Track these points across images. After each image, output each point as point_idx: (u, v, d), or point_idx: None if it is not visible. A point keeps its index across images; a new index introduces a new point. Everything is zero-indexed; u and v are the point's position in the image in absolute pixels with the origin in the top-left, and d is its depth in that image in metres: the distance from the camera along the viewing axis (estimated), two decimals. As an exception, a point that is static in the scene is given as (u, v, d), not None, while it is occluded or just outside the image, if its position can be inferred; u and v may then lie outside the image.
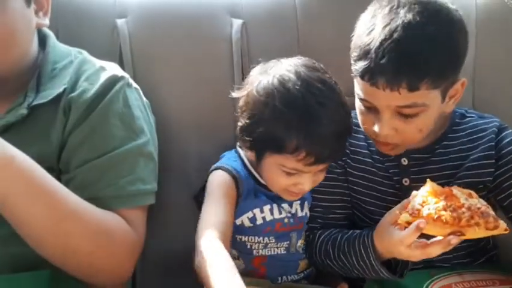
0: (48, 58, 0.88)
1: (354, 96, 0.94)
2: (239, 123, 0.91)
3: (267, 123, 0.86)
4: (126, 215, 0.83)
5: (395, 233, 0.82)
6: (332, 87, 0.88)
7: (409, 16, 0.84)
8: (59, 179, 0.81)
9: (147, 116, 0.93)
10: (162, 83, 1.09)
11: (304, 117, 0.84)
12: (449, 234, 0.77)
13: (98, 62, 0.92)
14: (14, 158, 0.72)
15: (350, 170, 1.01)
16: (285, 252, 0.97)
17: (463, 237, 0.77)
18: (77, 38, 1.06)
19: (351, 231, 0.96)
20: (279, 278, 0.96)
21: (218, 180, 0.92)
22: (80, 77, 0.87)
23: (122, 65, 1.07)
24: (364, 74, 0.85)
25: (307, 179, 0.90)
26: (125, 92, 0.89)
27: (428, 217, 0.78)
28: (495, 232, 0.77)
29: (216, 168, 0.94)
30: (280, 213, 0.95)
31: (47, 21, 0.87)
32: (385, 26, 0.84)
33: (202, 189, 0.95)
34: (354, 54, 0.88)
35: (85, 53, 0.94)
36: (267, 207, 0.94)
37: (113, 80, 0.87)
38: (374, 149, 0.99)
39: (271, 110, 0.85)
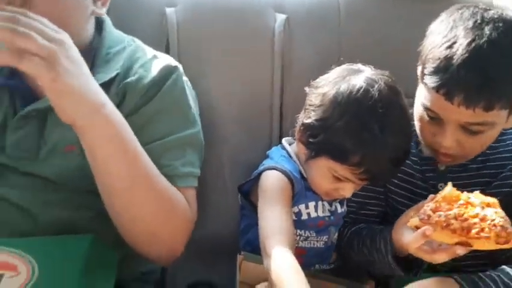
0: (104, 43, 0.91)
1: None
2: (305, 120, 0.91)
3: (336, 132, 0.85)
4: (183, 192, 0.87)
5: (405, 234, 0.84)
6: (407, 116, 0.88)
7: (495, 35, 0.82)
8: None
9: (197, 106, 0.97)
10: (205, 73, 1.12)
11: (376, 140, 0.84)
12: (457, 243, 0.77)
13: (151, 50, 0.95)
14: (105, 105, 0.75)
15: None
16: (323, 246, 0.99)
17: (470, 249, 0.77)
18: (127, 25, 1.09)
19: (377, 226, 0.97)
20: (312, 267, 0.98)
21: (277, 183, 0.92)
22: (135, 64, 0.90)
23: (168, 53, 1.11)
24: (440, 88, 0.83)
25: (350, 188, 0.91)
26: (182, 82, 0.92)
27: (436, 224, 0.77)
28: (506, 246, 0.76)
29: (271, 168, 0.94)
30: (323, 211, 0.96)
31: (103, 10, 0.91)
32: (470, 42, 0.81)
33: (249, 181, 0.97)
34: (429, 65, 0.85)
35: (138, 41, 0.97)
36: (312, 204, 0.95)
37: (170, 70, 0.91)
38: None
39: (346, 122, 0.85)
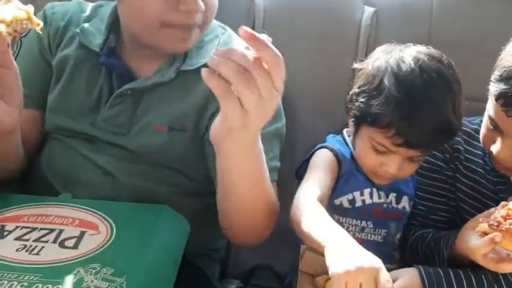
0: None
1: (473, 101, 0.91)
2: (349, 93, 0.93)
3: (369, 95, 0.88)
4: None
5: (472, 239, 0.81)
6: (448, 81, 0.87)
7: None
8: (190, 139, 0.89)
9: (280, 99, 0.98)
10: (288, 62, 1.13)
11: (406, 99, 0.84)
12: None
13: (242, 42, 0.97)
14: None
15: (459, 176, 0.98)
16: (382, 241, 0.97)
17: None
18: (218, 10, 1.14)
19: (443, 231, 0.94)
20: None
21: (323, 158, 0.95)
22: None
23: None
24: (499, 97, 0.82)
25: (394, 162, 0.89)
26: None
27: (507, 232, 0.75)
28: None
29: (321, 147, 0.97)
30: (379, 197, 0.96)
31: None
32: None
33: (303, 164, 0.97)
34: (496, 72, 0.83)
35: (229, 30, 0.99)
36: (367, 191, 0.95)
37: None
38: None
39: (377, 84, 0.87)
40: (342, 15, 1.15)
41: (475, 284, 0.82)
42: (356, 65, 0.96)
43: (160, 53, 0.89)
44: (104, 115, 0.90)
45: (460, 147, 0.97)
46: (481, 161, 0.96)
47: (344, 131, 1.01)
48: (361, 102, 0.89)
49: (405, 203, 0.99)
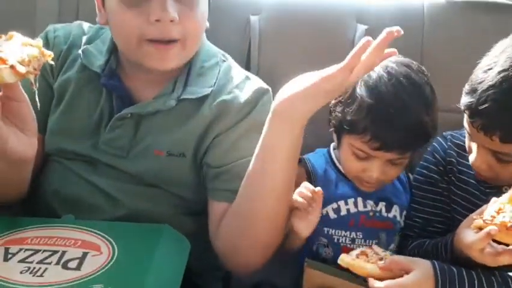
0: (199, 57, 0.94)
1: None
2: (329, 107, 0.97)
3: (344, 105, 0.93)
4: None
5: (468, 236, 0.82)
6: (417, 85, 0.91)
7: None
8: (189, 164, 0.90)
9: None
10: (283, 77, 1.15)
11: (377, 104, 0.89)
12: None
13: (242, 71, 0.99)
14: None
15: (453, 188, 1.00)
16: None
17: None
18: (212, 30, 1.15)
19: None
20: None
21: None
22: (229, 83, 0.93)
23: (249, 58, 1.16)
24: (466, 109, 0.87)
25: (376, 167, 0.93)
26: (269, 105, 0.93)
27: (501, 225, 0.76)
28: None
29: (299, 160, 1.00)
30: (365, 206, 0.98)
31: (207, 23, 0.94)
32: (501, 71, 0.83)
33: None
34: (466, 85, 0.88)
35: (230, 58, 1.01)
36: (351, 200, 0.99)
37: (261, 92, 0.94)
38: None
39: (350, 93, 0.92)
40: (335, 34, 1.18)
41: (485, 285, 0.83)
42: None
43: (148, 70, 0.89)
44: (105, 137, 0.91)
45: (453, 159, 1.00)
46: (473, 173, 0.97)
47: (331, 145, 1.05)
48: (338, 112, 0.95)
49: (395, 212, 1.01)
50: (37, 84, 0.72)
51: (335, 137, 1.00)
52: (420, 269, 0.84)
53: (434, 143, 1.04)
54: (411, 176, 1.06)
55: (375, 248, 0.91)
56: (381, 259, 0.87)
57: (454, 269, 0.84)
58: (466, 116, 0.88)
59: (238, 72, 0.97)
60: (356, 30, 1.17)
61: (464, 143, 0.96)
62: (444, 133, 1.04)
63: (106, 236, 0.80)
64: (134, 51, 0.86)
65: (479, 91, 0.83)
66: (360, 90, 0.91)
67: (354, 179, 0.98)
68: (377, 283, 0.82)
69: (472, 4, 1.20)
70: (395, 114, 0.88)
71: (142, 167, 0.91)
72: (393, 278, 0.83)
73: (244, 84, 0.94)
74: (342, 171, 1.01)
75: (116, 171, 0.91)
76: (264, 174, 0.82)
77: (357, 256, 0.88)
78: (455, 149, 1.00)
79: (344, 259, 0.87)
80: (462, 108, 0.88)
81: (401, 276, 0.83)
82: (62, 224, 0.84)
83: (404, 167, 0.98)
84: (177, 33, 0.84)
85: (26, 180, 0.89)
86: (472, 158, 0.90)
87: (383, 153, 0.91)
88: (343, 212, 0.99)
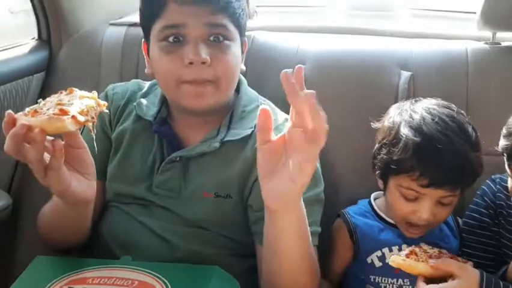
0: (241, 101, 1.00)
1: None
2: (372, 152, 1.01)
3: (389, 146, 0.95)
4: None
5: None
6: (459, 123, 0.94)
7: None
8: (235, 205, 0.94)
9: (320, 165, 1.01)
10: (328, 124, 1.17)
11: (423, 141, 0.91)
12: None
13: (282, 113, 1.03)
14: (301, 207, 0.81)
15: (503, 232, 0.98)
16: None
17: None
18: (261, 80, 1.21)
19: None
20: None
21: (335, 228, 1.05)
22: None
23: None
24: (504, 152, 0.89)
25: (426, 207, 0.93)
26: None
27: None
28: None
29: (339, 214, 1.06)
30: None
31: (243, 67, 1.02)
32: None
33: None
34: (503, 129, 0.90)
35: (270, 103, 1.05)
36: (395, 247, 0.99)
37: None
38: None
39: (395, 134, 0.95)
40: (379, 81, 1.20)
41: None
42: (374, 125, 1.04)
43: (190, 113, 0.95)
44: (157, 180, 0.97)
45: (503, 202, 0.98)
46: None
47: (372, 195, 1.07)
48: (383, 154, 0.96)
49: (421, 243, 0.99)
50: (95, 131, 0.79)
51: (380, 182, 1.01)
52: (467, 277, 0.84)
53: (483, 187, 1.03)
54: (460, 220, 1.05)
55: (424, 245, 0.92)
56: (430, 256, 0.88)
57: (501, 283, 0.83)
58: (505, 160, 0.89)
59: (278, 116, 1.01)
60: (400, 76, 1.19)
61: None
62: (493, 176, 1.03)
63: (161, 277, 0.84)
64: (174, 93, 0.93)
65: None
66: (405, 130, 0.94)
67: (400, 224, 0.98)
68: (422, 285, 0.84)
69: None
70: (442, 150, 0.90)
71: (193, 209, 0.95)
72: (443, 277, 0.84)
73: (283, 126, 0.97)
74: (386, 219, 1.02)
75: (169, 213, 0.96)
76: (276, 253, 0.84)
77: (407, 256, 0.89)
78: (505, 192, 0.99)
79: (395, 260, 0.89)
80: (500, 151, 0.89)
81: (450, 276, 0.84)
82: (121, 264, 0.88)
83: (453, 209, 0.98)
84: (209, 75, 0.90)
85: (86, 223, 0.95)
86: None
87: (433, 190, 0.91)
88: (388, 259, 0.97)
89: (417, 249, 0.91)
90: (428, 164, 0.90)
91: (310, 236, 0.85)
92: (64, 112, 0.72)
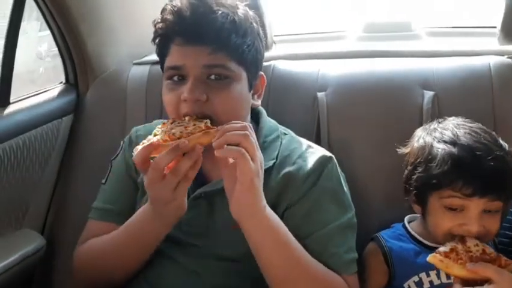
0: (262, 133, 1.01)
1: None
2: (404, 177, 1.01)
3: (425, 163, 0.95)
4: (347, 280, 0.93)
5: None
6: (491, 134, 0.97)
7: None
8: None
9: (348, 189, 1.02)
10: (353, 149, 1.18)
11: (460, 151, 0.92)
12: None
13: (304, 141, 1.04)
14: (266, 207, 0.87)
15: None
16: None
17: None
18: (283, 108, 1.23)
19: None
20: None
21: (369, 257, 1.03)
22: (293, 154, 0.99)
23: (319, 130, 1.20)
24: None
25: (473, 218, 0.90)
26: (336, 171, 1.00)
27: None
28: None
29: (372, 238, 1.04)
30: (448, 277, 0.94)
31: (259, 102, 1.03)
32: None
33: None
34: None
35: (291, 132, 1.07)
36: (433, 272, 0.96)
37: (325, 160, 0.98)
38: None
39: (428, 151, 0.96)
40: (403, 102, 1.20)
41: None
42: (401, 150, 1.04)
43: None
44: (184, 218, 0.96)
45: None
46: None
47: (405, 218, 1.05)
48: (419, 173, 0.96)
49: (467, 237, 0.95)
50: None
51: (416, 208, 1.00)
52: (504, 282, 0.82)
53: None
54: (496, 240, 1.02)
55: (469, 241, 0.89)
56: (471, 257, 0.86)
57: None
58: None
59: (300, 143, 1.02)
60: (424, 97, 1.18)
61: None
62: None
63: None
64: None
65: None
66: (440, 145, 0.95)
67: (446, 239, 0.94)
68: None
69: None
70: (481, 157, 0.90)
71: (222, 243, 0.95)
72: (482, 280, 0.83)
73: (307, 154, 0.99)
74: (423, 241, 1.00)
75: (199, 249, 0.96)
76: (262, 268, 0.90)
77: (447, 254, 0.86)
78: None
79: (433, 259, 0.87)
80: None
81: (487, 281, 0.82)
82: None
83: (503, 218, 0.96)
84: (207, 110, 0.91)
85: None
86: None
87: (478, 199, 0.90)
88: (426, 285, 0.96)
89: (459, 247, 0.88)
90: (469, 172, 0.90)
91: (296, 244, 0.88)
92: (208, 127, 0.86)
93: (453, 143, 0.94)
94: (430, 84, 1.21)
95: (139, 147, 0.84)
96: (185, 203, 0.88)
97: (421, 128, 1.05)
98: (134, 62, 1.43)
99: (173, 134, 0.85)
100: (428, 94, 1.19)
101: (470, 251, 0.87)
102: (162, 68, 0.98)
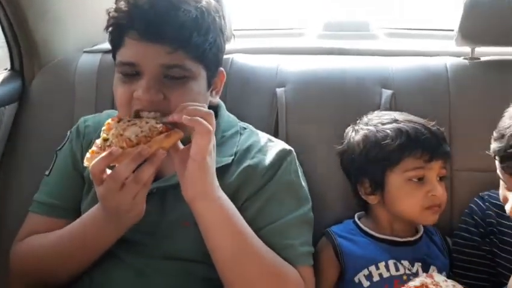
0: (219, 127, 0.97)
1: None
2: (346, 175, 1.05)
3: (377, 146, 0.99)
4: (302, 272, 0.91)
5: None
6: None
7: None
8: None
9: (306, 183, 1.01)
10: (312, 149, 1.17)
11: (407, 127, 0.99)
12: None
13: (263, 135, 1.02)
14: (219, 188, 0.86)
15: (496, 250, 0.97)
16: None
17: None
18: (241, 103, 1.20)
19: None
20: None
21: (320, 248, 1.03)
22: (252, 148, 0.97)
23: (277, 127, 1.18)
24: (495, 155, 0.88)
25: (435, 183, 0.97)
26: (295, 165, 0.98)
27: None
28: None
29: (323, 233, 1.05)
30: (397, 269, 0.96)
31: (217, 99, 1.00)
32: None
33: None
34: (494, 132, 0.90)
35: (250, 126, 1.05)
36: (382, 264, 0.97)
37: (284, 153, 0.97)
38: None
39: (374, 136, 1.00)
40: (361, 99, 1.19)
41: None
42: (339, 150, 1.08)
43: None
44: None
45: (493, 220, 0.97)
46: None
47: (356, 215, 1.07)
48: (374, 155, 0.99)
49: (433, 272, 0.97)
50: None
51: (370, 198, 1.02)
52: None
53: (471, 205, 1.02)
54: (449, 240, 1.03)
55: (436, 276, 0.88)
56: None
57: None
58: (497, 164, 0.88)
59: (260, 137, 0.99)
60: (382, 95, 1.18)
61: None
62: (481, 193, 1.02)
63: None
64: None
65: (507, 136, 0.84)
66: (385, 126, 1.01)
67: (415, 214, 0.98)
68: None
69: (494, 62, 1.22)
70: (423, 127, 1.00)
71: (173, 241, 0.91)
72: None
73: (266, 148, 0.97)
74: (373, 233, 1.01)
75: (147, 248, 0.92)
76: (212, 250, 0.87)
77: None
78: (494, 209, 0.97)
79: None
80: (492, 155, 0.88)
81: None
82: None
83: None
84: (165, 108, 0.86)
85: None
86: (508, 207, 0.87)
87: (434, 163, 0.97)
88: (375, 278, 0.97)
89: (428, 281, 0.87)
90: (422, 140, 0.97)
91: (250, 232, 0.87)
92: (167, 128, 0.82)
93: (395, 121, 1.01)
94: (388, 83, 1.21)
95: (95, 156, 0.78)
96: (144, 208, 0.84)
97: (349, 127, 1.09)
98: (85, 50, 1.36)
99: (129, 138, 0.79)
100: (386, 93, 1.19)
101: (440, 286, 0.86)
102: (114, 57, 0.92)
